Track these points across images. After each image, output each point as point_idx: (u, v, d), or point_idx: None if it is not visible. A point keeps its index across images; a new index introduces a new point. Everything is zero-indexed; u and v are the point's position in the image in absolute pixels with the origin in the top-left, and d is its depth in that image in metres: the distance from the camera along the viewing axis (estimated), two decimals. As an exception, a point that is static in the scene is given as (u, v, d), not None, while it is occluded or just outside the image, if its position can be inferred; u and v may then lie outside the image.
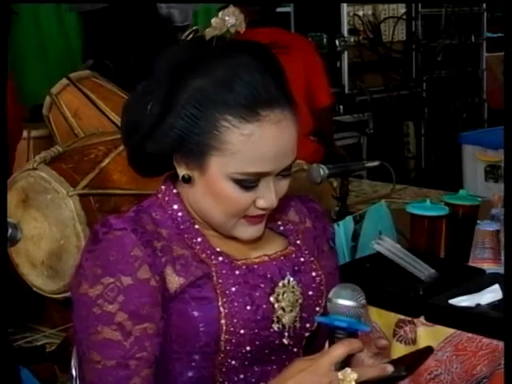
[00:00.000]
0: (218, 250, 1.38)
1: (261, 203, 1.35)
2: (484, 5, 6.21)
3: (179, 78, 1.33)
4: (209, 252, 1.37)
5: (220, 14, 1.37)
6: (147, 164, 1.43)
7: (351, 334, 1.28)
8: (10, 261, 2.58)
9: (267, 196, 1.35)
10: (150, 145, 1.37)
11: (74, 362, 1.53)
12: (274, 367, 1.40)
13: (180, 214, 1.40)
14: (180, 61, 1.35)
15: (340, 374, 1.23)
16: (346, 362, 1.25)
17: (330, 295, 1.30)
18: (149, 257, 1.32)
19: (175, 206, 1.40)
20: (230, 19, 1.37)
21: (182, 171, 1.37)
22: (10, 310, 1.62)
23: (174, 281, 1.34)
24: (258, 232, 1.40)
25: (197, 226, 1.40)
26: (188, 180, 1.36)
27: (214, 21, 1.37)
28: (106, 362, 1.31)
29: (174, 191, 1.41)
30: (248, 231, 1.39)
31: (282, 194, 1.39)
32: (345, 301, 1.28)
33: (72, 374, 1.54)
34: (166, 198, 1.41)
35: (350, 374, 1.23)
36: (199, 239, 1.38)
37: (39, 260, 2.58)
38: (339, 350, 1.25)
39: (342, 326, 1.27)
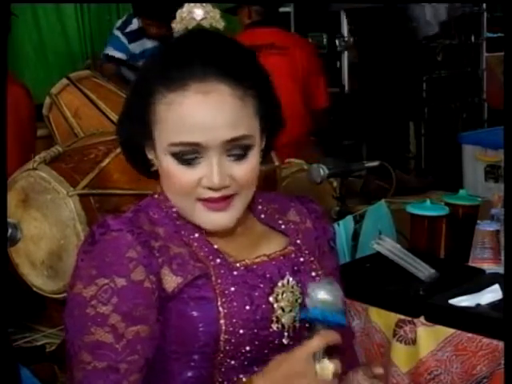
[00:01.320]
0: (215, 247, 1.38)
1: (204, 182, 1.33)
2: (484, 5, 6.21)
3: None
4: (206, 250, 1.37)
5: (185, 5, 1.32)
6: (134, 159, 1.44)
7: (330, 327, 1.29)
8: (10, 261, 2.58)
9: (209, 174, 1.32)
10: (122, 133, 1.41)
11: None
12: (274, 367, 1.40)
13: (174, 209, 1.40)
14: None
15: (318, 366, 1.25)
16: (328, 355, 1.26)
17: (308, 290, 1.31)
18: (145, 258, 1.32)
19: (170, 203, 1.40)
20: (197, 11, 1.32)
21: (152, 160, 1.38)
22: (10, 310, 1.61)
23: (172, 280, 1.33)
24: (223, 220, 1.36)
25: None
26: (152, 167, 1.38)
27: (179, 12, 1.32)
28: (97, 364, 1.30)
29: None
30: (211, 218, 1.36)
31: (242, 180, 1.34)
32: (320, 294, 1.29)
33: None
34: (162, 197, 1.41)
35: (328, 366, 1.25)
36: (196, 235, 1.38)
37: (39, 260, 2.58)
38: (315, 342, 1.26)
39: (317, 319, 1.28)
